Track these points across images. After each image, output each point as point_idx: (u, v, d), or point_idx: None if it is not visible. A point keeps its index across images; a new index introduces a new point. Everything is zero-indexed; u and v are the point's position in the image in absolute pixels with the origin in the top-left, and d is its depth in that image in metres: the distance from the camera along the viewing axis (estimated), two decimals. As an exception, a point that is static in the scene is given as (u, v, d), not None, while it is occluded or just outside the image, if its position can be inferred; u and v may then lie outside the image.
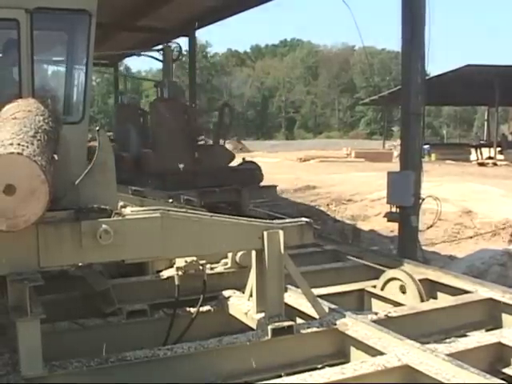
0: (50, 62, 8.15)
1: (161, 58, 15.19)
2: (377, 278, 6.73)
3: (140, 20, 17.34)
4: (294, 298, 5.62)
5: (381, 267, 7.16)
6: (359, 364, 4.32)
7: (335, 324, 5.02)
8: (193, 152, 13.00)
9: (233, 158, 13.93)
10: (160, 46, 16.04)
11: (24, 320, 4.09)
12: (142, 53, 17.76)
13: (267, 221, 5.08)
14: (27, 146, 3.72)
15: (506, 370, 4.65)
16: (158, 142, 13.17)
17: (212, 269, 6.12)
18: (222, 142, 14.22)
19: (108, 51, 18.99)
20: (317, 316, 5.18)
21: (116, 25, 16.78)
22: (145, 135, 14.19)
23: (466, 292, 6.22)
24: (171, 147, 12.64)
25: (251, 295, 5.25)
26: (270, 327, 4.74)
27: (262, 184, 14.27)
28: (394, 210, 9.55)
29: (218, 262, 6.25)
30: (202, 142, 14.28)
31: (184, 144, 12.94)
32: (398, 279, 6.38)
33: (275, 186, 15.40)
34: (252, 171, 13.67)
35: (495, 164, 35.57)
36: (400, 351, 4.46)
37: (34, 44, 6.35)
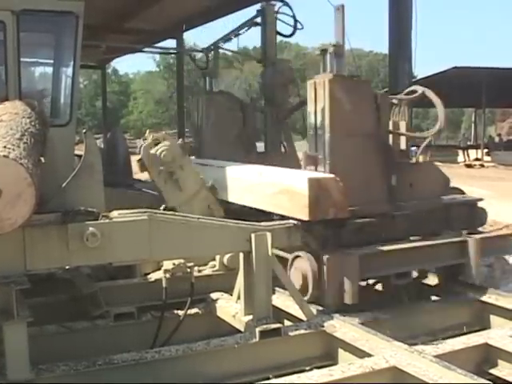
0: (36, 64, 8.12)
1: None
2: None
3: (127, 22, 17.29)
4: (282, 300, 5.62)
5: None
6: (347, 366, 4.33)
7: (323, 326, 5.03)
8: (389, 175, 6.47)
9: (447, 183, 7.18)
10: (257, 7, 11.37)
11: (10, 323, 4.08)
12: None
13: (255, 223, 5.08)
14: (13, 149, 3.71)
15: (492, 371, 4.68)
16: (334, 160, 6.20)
17: (200, 271, 6.12)
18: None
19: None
20: (304, 318, 5.19)
21: (103, 27, 16.69)
22: (250, 141, 10.41)
23: (454, 293, 6.23)
24: (356, 167, 6.16)
25: (239, 297, 5.25)
26: (257, 329, 4.74)
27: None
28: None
29: (205, 265, 6.25)
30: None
31: (375, 160, 6.35)
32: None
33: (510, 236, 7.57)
34: (471, 207, 7.08)
35: (482, 166, 35.74)
36: (388, 353, 4.47)
37: (20, 46, 6.32)
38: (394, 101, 6.52)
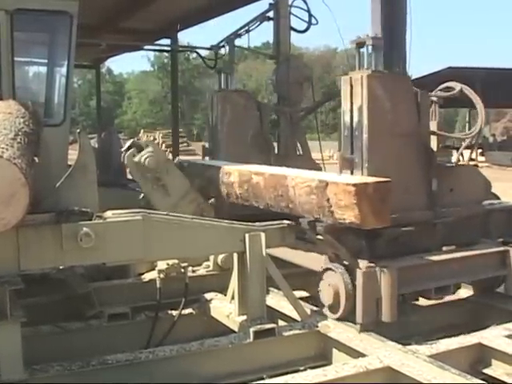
0: (30, 64, 8.10)
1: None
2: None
3: (122, 21, 17.25)
4: (276, 300, 5.62)
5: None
6: (341, 366, 4.32)
7: (317, 326, 5.02)
8: (429, 179, 5.89)
9: (489, 188, 6.68)
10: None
11: (4, 323, 4.07)
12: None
13: (249, 223, 5.07)
14: (7, 149, 3.70)
15: (486, 371, 4.67)
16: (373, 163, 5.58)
17: (194, 271, 6.11)
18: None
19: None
20: (299, 318, 5.19)
21: (98, 26, 16.65)
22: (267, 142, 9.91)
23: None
24: (396, 171, 5.49)
25: (233, 298, 5.25)
26: (251, 330, 4.74)
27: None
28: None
29: (199, 265, 6.24)
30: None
31: (416, 163, 5.80)
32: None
33: None
34: (509, 213, 6.61)
35: (476, 166, 35.60)
36: (382, 353, 4.47)
37: (14, 45, 6.30)
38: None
